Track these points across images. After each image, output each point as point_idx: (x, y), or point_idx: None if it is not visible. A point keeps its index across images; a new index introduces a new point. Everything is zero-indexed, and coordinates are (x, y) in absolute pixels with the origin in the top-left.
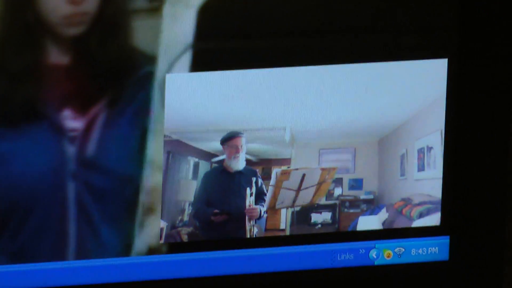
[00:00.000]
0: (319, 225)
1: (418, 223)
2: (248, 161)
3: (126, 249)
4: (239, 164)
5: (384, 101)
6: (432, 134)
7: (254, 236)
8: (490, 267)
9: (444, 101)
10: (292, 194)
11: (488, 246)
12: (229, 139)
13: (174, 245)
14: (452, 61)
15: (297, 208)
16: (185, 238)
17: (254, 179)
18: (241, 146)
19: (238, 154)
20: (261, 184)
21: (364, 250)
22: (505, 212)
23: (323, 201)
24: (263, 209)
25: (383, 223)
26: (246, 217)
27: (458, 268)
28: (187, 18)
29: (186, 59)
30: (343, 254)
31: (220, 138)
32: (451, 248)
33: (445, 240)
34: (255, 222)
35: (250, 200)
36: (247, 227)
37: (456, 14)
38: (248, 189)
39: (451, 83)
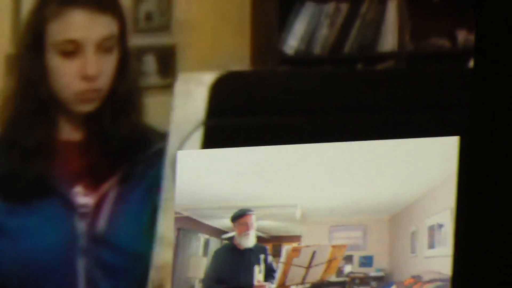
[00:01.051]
0: None
1: None
2: (259, 238)
3: None
4: (249, 241)
5: (395, 179)
6: (442, 212)
7: None
8: None
9: (454, 179)
10: (302, 271)
11: None
12: (240, 216)
13: None
14: (463, 139)
15: (307, 285)
16: None
17: (262, 256)
18: (252, 223)
19: (248, 232)
20: (271, 261)
21: None
22: None
23: (333, 278)
24: (273, 286)
25: None
26: None
27: None
28: (199, 96)
29: (197, 136)
30: None
31: (230, 215)
32: None
33: None
34: None
35: (258, 277)
36: None
37: (467, 94)
38: (257, 266)
39: (461, 161)
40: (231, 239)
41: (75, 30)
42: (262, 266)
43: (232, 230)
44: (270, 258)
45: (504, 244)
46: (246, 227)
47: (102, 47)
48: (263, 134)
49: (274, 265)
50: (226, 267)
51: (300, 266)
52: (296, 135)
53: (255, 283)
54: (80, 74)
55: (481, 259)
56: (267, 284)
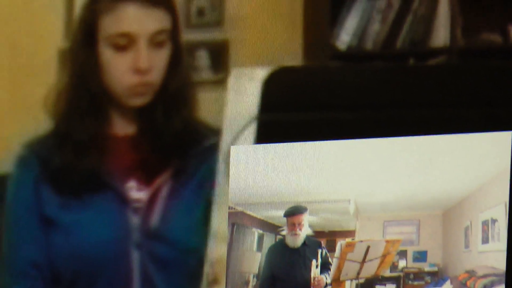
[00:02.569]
0: None
1: None
2: (313, 234)
3: None
4: (297, 241)
5: (448, 173)
6: (496, 206)
7: None
8: None
9: (508, 173)
10: (356, 266)
11: None
12: (290, 215)
13: None
14: None
15: (362, 280)
16: None
17: (320, 251)
18: (300, 223)
19: (295, 232)
20: (326, 253)
21: None
22: None
23: (387, 273)
24: (329, 279)
25: None
26: None
27: None
28: (252, 91)
29: (251, 131)
30: None
31: (284, 210)
32: None
33: None
34: None
35: (316, 272)
36: None
37: None
38: (314, 260)
39: None
40: (284, 235)
41: (127, 24)
42: (320, 260)
43: (286, 227)
44: (325, 251)
45: None
46: (293, 227)
47: (154, 41)
48: (316, 129)
49: (330, 258)
50: (281, 264)
51: (354, 261)
52: (348, 130)
53: (312, 277)
54: (132, 67)
55: None
56: (323, 277)
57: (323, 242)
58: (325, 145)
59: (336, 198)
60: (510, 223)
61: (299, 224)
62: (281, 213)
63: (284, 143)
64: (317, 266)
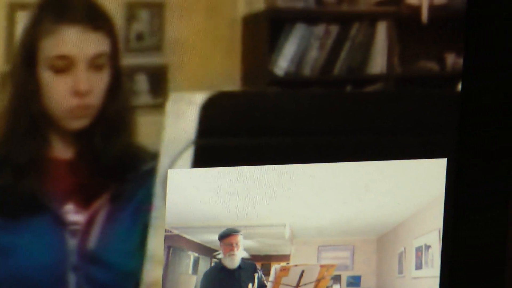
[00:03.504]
0: None
1: None
2: (246, 258)
3: None
4: (234, 262)
5: (384, 199)
6: (430, 233)
7: None
8: None
9: (442, 200)
10: None
11: None
12: (225, 236)
13: None
14: (451, 161)
15: None
16: None
17: (257, 275)
18: (237, 244)
19: (233, 252)
20: (262, 276)
21: None
22: None
23: None
24: None
25: None
26: None
27: None
28: (190, 115)
29: (188, 155)
30: None
31: (220, 233)
32: None
33: None
34: None
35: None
36: None
37: (456, 116)
38: (250, 284)
39: (449, 183)
40: (219, 259)
41: (67, 47)
42: (256, 284)
43: (221, 249)
44: (260, 274)
45: (491, 265)
46: (231, 248)
47: (94, 64)
48: (253, 154)
49: (265, 282)
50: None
51: (289, 285)
52: (285, 155)
53: None
54: (71, 90)
55: (468, 281)
56: None
57: (258, 266)
58: (261, 170)
59: (272, 223)
60: (443, 250)
61: (236, 244)
62: (216, 236)
63: (221, 168)
64: None
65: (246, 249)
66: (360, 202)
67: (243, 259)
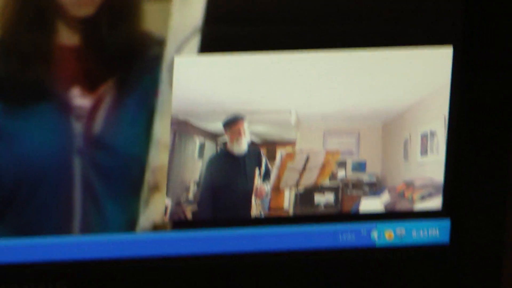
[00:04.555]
0: (322, 206)
1: (419, 206)
2: (253, 143)
3: (131, 226)
4: (241, 147)
5: (389, 86)
6: (435, 119)
7: (258, 215)
8: (490, 251)
9: (448, 88)
10: (296, 175)
11: (488, 230)
12: (231, 122)
13: (178, 222)
14: (457, 49)
15: (301, 189)
16: (189, 215)
17: (264, 160)
18: (243, 130)
19: (240, 138)
20: (266, 162)
21: (365, 231)
22: (505, 197)
23: (326, 182)
24: (269, 188)
25: (385, 206)
26: (253, 197)
27: (458, 251)
28: (197, 1)
29: (195, 42)
30: (345, 235)
31: (225, 119)
32: (451, 231)
33: (446, 223)
34: (260, 202)
35: (259, 181)
36: (253, 206)
37: (461, 2)
38: (257, 169)
39: (455, 71)
40: (224, 144)
41: None
42: (262, 168)
43: (226, 135)
44: (265, 160)
45: (496, 151)
46: (238, 134)
47: None
48: (260, 41)
49: (270, 167)
50: (222, 173)
51: (294, 170)
52: (291, 42)
53: (255, 186)
54: None
55: (473, 165)
56: (265, 186)
57: (264, 151)
58: (268, 57)
59: (278, 109)
60: (448, 136)
61: (242, 130)
62: (221, 122)
63: (227, 55)
64: (259, 175)
65: (251, 135)
66: (365, 89)
67: (248, 145)
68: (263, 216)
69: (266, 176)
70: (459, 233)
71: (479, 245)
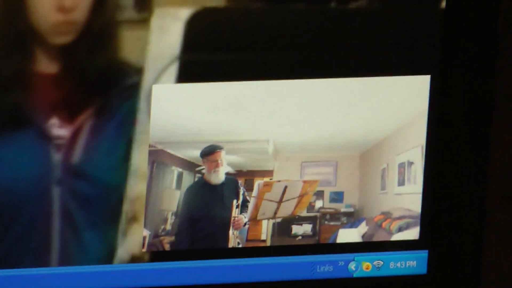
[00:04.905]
0: (300, 237)
1: (397, 236)
2: (230, 173)
3: (109, 257)
4: (219, 177)
5: (367, 116)
6: (413, 149)
7: (236, 247)
8: (468, 283)
9: (425, 117)
10: (274, 205)
11: (466, 261)
12: (209, 153)
13: (156, 254)
14: (435, 78)
15: (279, 220)
16: (167, 247)
17: (241, 191)
18: (221, 160)
19: (217, 169)
20: (244, 192)
21: (343, 262)
22: (482, 228)
23: (304, 213)
24: (246, 219)
25: (363, 236)
26: (230, 228)
27: (436, 282)
28: (175, 30)
29: (173, 71)
30: (323, 266)
31: (203, 149)
32: (429, 262)
33: (423, 254)
34: (238, 233)
35: (235, 211)
36: (230, 237)
37: (439, 32)
38: (235, 200)
39: (433, 100)
40: (202, 174)
41: None
42: (241, 200)
43: (204, 165)
44: (243, 190)
45: (473, 180)
46: (215, 164)
47: None
48: (237, 69)
49: (247, 197)
50: (200, 204)
51: (272, 200)
52: (270, 71)
53: (233, 217)
54: (56, 5)
55: (451, 196)
56: (242, 216)
57: (241, 181)
58: (246, 85)
59: (256, 138)
60: (426, 166)
61: (220, 160)
62: (199, 152)
63: (205, 83)
64: (237, 206)
65: (229, 165)
66: (343, 118)
67: (225, 175)
68: (241, 247)
69: (244, 207)
70: (437, 264)
71: (456, 276)
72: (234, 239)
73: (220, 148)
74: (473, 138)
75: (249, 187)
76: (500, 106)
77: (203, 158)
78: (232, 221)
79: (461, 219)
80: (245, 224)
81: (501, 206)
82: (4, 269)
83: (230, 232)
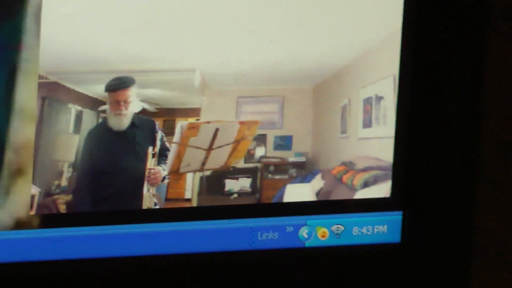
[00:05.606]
0: (236, 195)
1: (362, 194)
2: (145, 112)
3: None
4: (123, 122)
5: (322, 37)
6: (382, 80)
7: (153, 208)
8: (454, 252)
9: (399, 40)
10: (201, 154)
11: (452, 226)
12: (113, 89)
13: (48, 218)
14: None
15: (208, 172)
16: (63, 208)
17: (157, 135)
18: (128, 100)
19: (120, 111)
20: (162, 137)
21: (292, 228)
22: (474, 183)
23: (241, 164)
24: (165, 172)
25: (318, 194)
26: (145, 184)
27: (413, 253)
28: None
29: None
30: (265, 233)
31: (108, 84)
32: (403, 227)
33: (396, 216)
34: (155, 190)
35: (151, 162)
36: (145, 196)
37: None
38: (150, 148)
39: (408, 15)
40: (107, 115)
41: None
42: (157, 146)
43: (109, 103)
44: (161, 135)
45: (462, 121)
46: (118, 105)
47: None
48: None
49: (167, 144)
50: (104, 153)
51: (199, 147)
52: None
53: (147, 169)
54: None
55: (432, 141)
56: (160, 168)
57: (160, 123)
58: None
59: (177, 67)
60: (399, 102)
61: (125, 101)
62: (104, 86)
63: None
64: (153, 155)
65: (143, 101)
66: (292, 40)
67: (137, 115)
68: (158, 208)
69: (162, 156)
70: (414, 230)
71: (439, 245)
72: (149, 198)
73: (128, 84)
74: (462, 63)
75: (169, 131)
76: (496, 25)
77: (108, 93)
78: (147, 174)
79: (445, 172)
80: (163, 178)
81: (498, 156)
82: None
83: (145, 189)
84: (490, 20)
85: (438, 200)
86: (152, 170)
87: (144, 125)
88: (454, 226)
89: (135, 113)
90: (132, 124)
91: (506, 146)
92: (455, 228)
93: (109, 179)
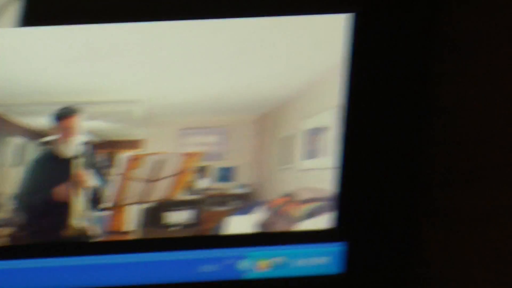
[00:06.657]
0: (174, 227)
1: (304, 225)
2: (88, 143)
3: None
4: (68, 149)
5: (266, 68)
6: (325, 111)
7: (93, 241)
8: (399, 282)
9: (342, 69)
10: (143, 186)
11: (396, 257)
12: (61, 117)
13: None
14: (357, 17)
15: (149, 205)
16: (3, 241)
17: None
18: (75, 128)
19: (69, 138)
20: (104, 170)
21: (232, 260)
22: (419, 213)
23: (183, 195)
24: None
25: (260, 225)
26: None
27: (357, 284)
28: None
29: (14, 10)
30: (205, 265)
31: (53, 113)
32: (347, 258)
33: (339, 247)
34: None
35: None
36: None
37: None
38: (91, 179)
39: (354, 45)
40: (50, 145)
41: None
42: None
43: (54, 133)
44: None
45: (406, 151)
46: (67, 132)
47: None
48: (99, 8)
49: (108, 176)
50: (45, 181)
51: (141, 179)
52: (142, 10)
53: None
54: None
55: (376, 172)
56: (87, 173)
57: (101, 154)
58: (108, 29)
59: (120, 99)
60: (342, 133)
61: (71, 128)
62: (48, 116)
63: (56, 27)
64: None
65: (88, 132)
66: (235, 71)
67: (82, 146)
68: (97, 241)
69: (102, 188)
70: (357, 261)
71: (383, 275)
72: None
73: (74, 112)
74: (405, 94)
75: (112, 163)
76: (445, 50)
77: (54, 124)
78: (74, 179)
79: (390, 202)
80: (94, 189)
81: (444, 185)
82: None
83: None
84: (435, 51)
85: (383, 230)
86: (79, 173)
87: (88, 154)
88: (399, 256)
89: (80, 144)
90: (76, 155)
91: (452, 177)
92: (401, 258)
93: (51, 211)
